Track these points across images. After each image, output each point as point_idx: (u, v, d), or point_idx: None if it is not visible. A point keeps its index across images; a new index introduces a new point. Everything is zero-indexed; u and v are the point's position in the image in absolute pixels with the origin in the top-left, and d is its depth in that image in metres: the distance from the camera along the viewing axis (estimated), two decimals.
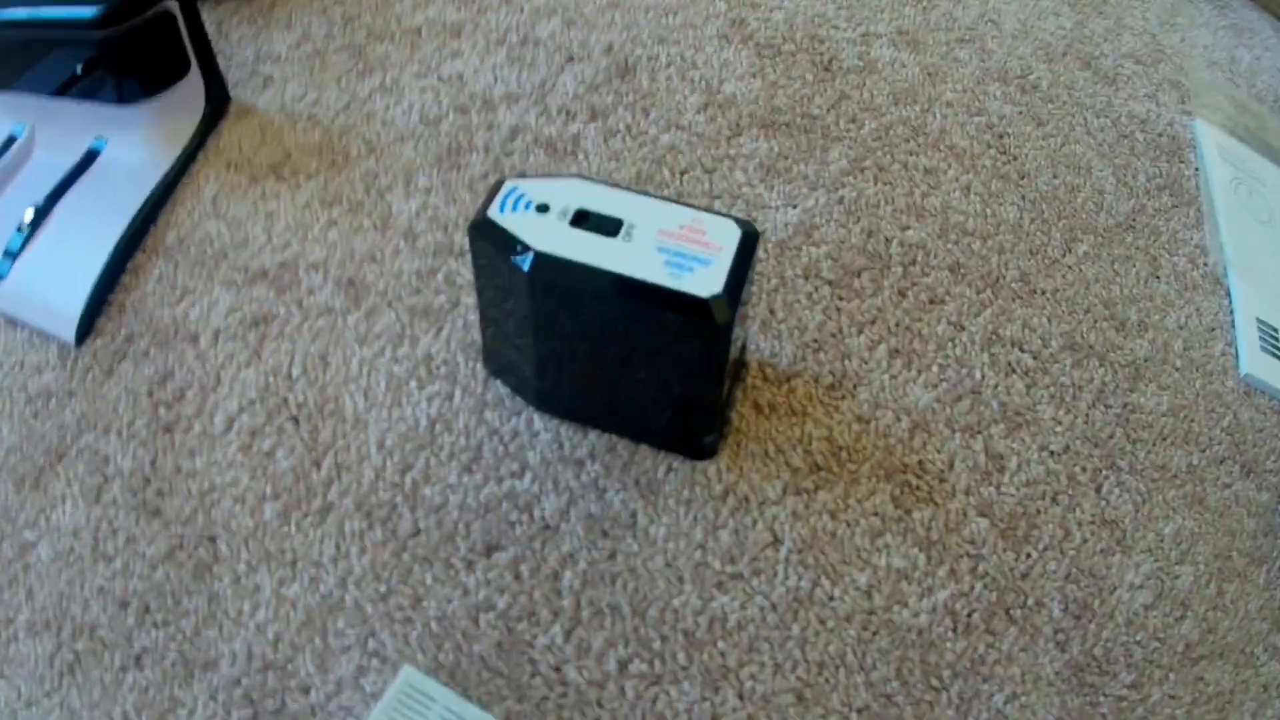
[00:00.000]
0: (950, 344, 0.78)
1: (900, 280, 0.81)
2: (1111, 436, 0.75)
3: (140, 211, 0.79)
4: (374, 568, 0.63)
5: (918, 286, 0.81)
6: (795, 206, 0.85)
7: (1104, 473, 0.73)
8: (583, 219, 0.62)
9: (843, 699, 0.62)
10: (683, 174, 0.86)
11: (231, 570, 0.65)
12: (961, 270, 0.82)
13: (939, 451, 0.72)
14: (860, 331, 0.78)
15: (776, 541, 0.68)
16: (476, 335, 0.75)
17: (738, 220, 0.62)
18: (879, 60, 0.96)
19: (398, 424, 0.70)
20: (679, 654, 0.63)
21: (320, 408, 0.70)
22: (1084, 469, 0.73)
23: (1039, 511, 0.70)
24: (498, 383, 0.73)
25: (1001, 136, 0.92)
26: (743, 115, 0.91)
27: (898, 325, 0.79)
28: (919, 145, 0.90)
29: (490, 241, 0.63)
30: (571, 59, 0.94)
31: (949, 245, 0.84)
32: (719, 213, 0.63)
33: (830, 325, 0.78)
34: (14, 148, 0.82)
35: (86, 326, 0.74)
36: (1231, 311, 0.83)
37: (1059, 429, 0.75)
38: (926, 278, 0.81)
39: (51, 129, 0.81)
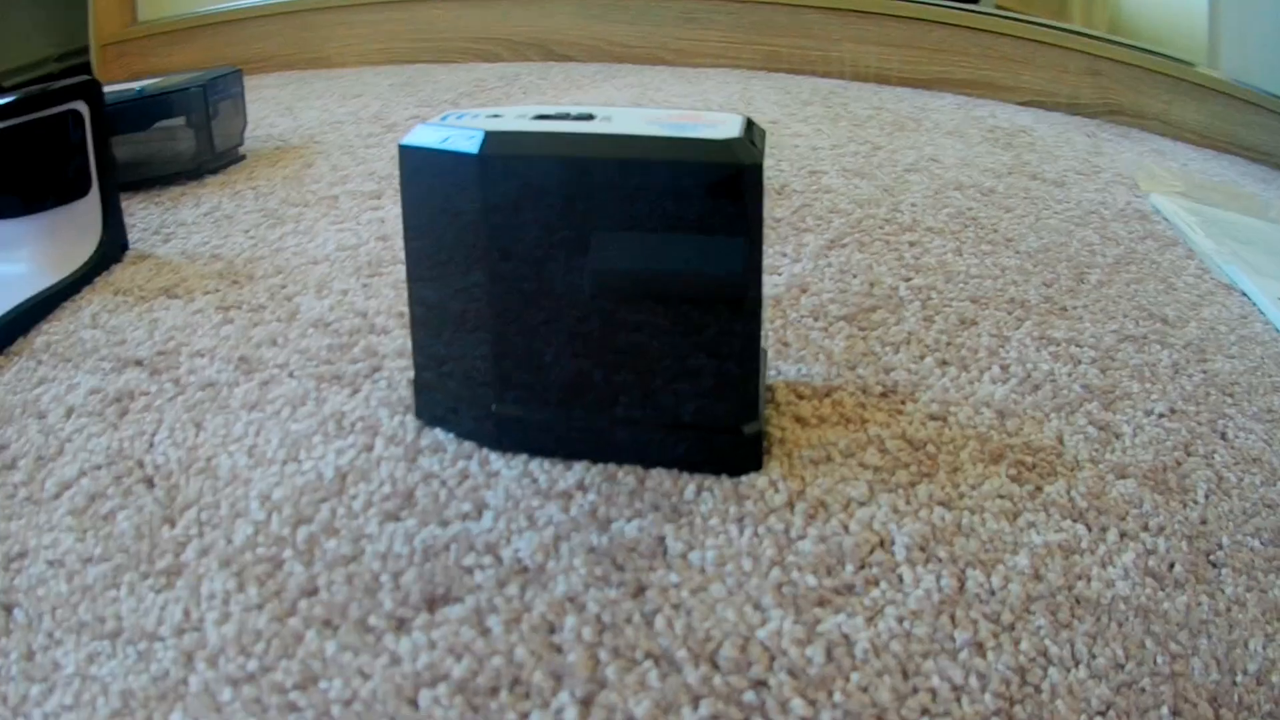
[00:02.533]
0: (1002, 349, 0.59)
1: (922, 311, 0.64)
2: (1209, 395, 0.58)
3: (6, 316, 0.62)
4: (240, 639, 0.38)
5: (943, 314, 0.63)
6: (780, 274, 0.69)
7: (1220, 421, 0.55)
8: (546, 118, 0.47)
9: (1071, 705, 0.35)
10: None
11: (25, 644, 0.37)
12: (983, 300, 0.66)
13: (1040, 431, 0.51)
14: (897, 350, 0.59)
15: (886, 542, 0.43)
16: (405, 393, 0.54)
17: (745, 116, 0.47)
18: (832, 186, 0.86)
19: (292, 478, 0.47)
20: (793, 701, 0.36)
21: (186, 468, 0.48)
22: (1200, 422, 0.55)
23: (1179, 464, 0.51)
24: (438, 431, 0.51)
25: (975, 219, 0.80)
26: None
27: (936, 343, 0.60)
28: (895, 229, 0.77)
29: (427, 149, 0.46)
30: None
31: (960, 285, 0.68)
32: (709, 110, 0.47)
33: (859, 347, 0.59)
34: None
35: None
36: (1254, 304, 0.71)
37: (1154, 397, 0.57)
38: (949, 308, 0.64)
39: None
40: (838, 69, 1.28)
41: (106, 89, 0.93)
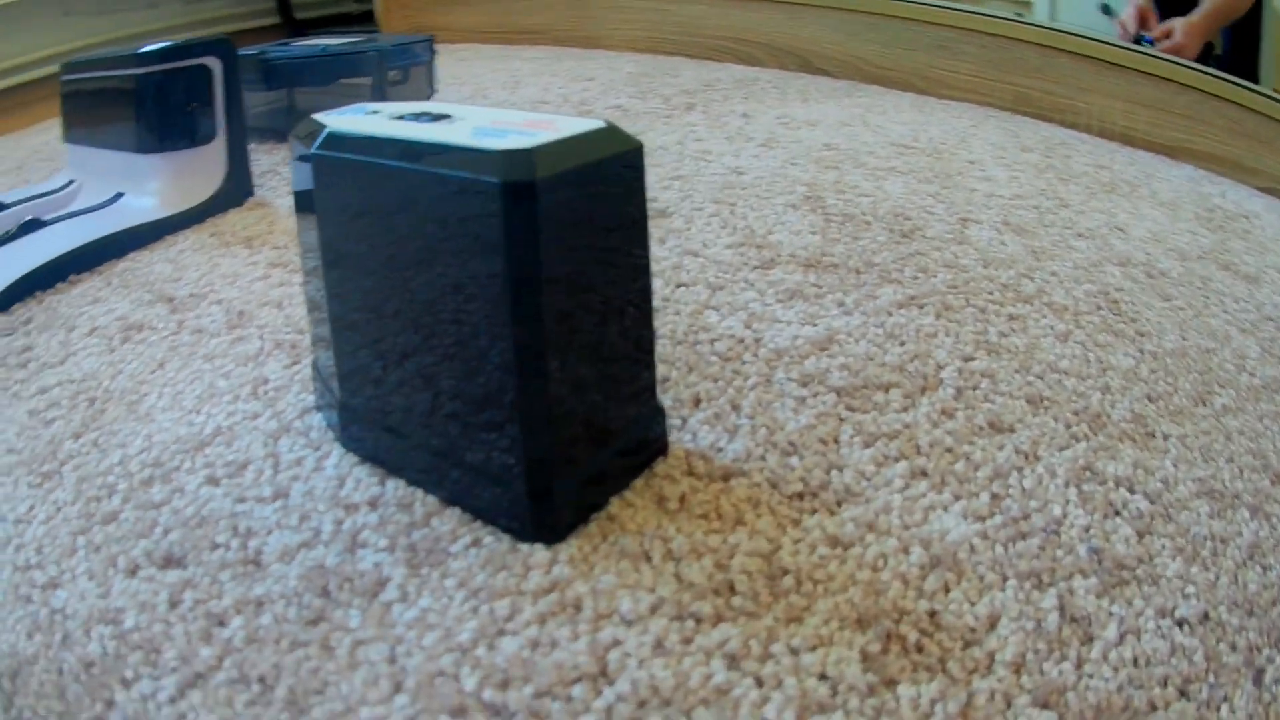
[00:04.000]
0: (1016, 473, 0.42)
1: (951, 402, 0.47)
2: (1275, 604, 0.35)
3: (101, 241, 0.67)
4: (43, 539, 0.41)
5: (974, 410, 0.46)
6: (815, 325, 0.54)
7: (1265, 653, 0.35)
8: (412, 116, 0.40)
9: None
10: (679, 286, 0.59)
11: None
12: (1045, 402, 0.47)
13: (972, 602, 0.34)
14: (869, 444, 0.43)
15: (601, 678, 0.30)
16: None
17: (609, 124, 0.36)
18: (973, 237, 0.68)
19: (181, 426, 0.47)
20: None
21: (123, 397, 0.50)
22: (1233, 646, 0.35)
23: (1154, 707, 0.31)
24: (319, 416, 0.47)
25: (1116, 302, 0.59)
26: (782, 255, 0.64)
27: (933, 445, 0.43)
28: (1005, 298, 0.59)
29: (300, 140, 0.41)
30: None
31: (1029, 379, 0.49)
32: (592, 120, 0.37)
33: (821, 430, 0.44)
34: (65, 190, 0.77)
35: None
36: None
37: (1191, 590, 0.36)
38: (990, 403, 0.47)
39: (100, 176, 0.75)
40: (1084, 121, 1.04)
41: (297, 43, 0.97)
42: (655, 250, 0.65)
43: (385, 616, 0.33)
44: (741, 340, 0.53)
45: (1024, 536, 0.38)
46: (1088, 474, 0.42)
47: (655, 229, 0.69)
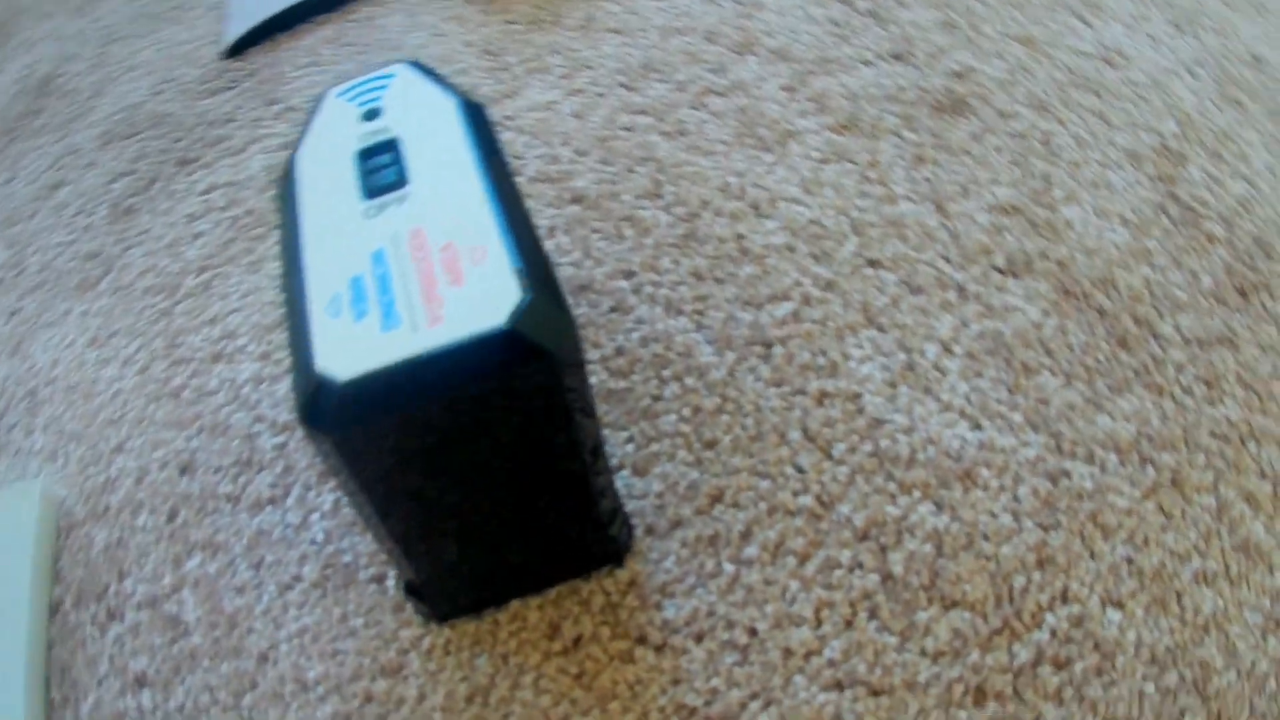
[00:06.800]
0: None
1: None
2: None
3: None
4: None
5: None
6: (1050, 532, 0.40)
7: None
8: (370, 173, 0.33)
9: None
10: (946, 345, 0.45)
11: None
12: None
13: None
14: (850, 693, 0.34)
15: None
16: None
17: (516, 332, 0.26)
18: None
19: None
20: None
21: None
22: None
23: None
24: None
25: None
26: (1095, 445, 0.45)
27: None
28: None
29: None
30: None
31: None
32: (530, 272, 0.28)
33: (799, 638, 0.35)
34: None
35: (239, 50, 0.64)
36: None
37: None
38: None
39: None
40: None
41: None
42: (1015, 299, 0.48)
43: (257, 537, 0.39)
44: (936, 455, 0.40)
45: None
46: None
47: (1031, 234, 0.50)
